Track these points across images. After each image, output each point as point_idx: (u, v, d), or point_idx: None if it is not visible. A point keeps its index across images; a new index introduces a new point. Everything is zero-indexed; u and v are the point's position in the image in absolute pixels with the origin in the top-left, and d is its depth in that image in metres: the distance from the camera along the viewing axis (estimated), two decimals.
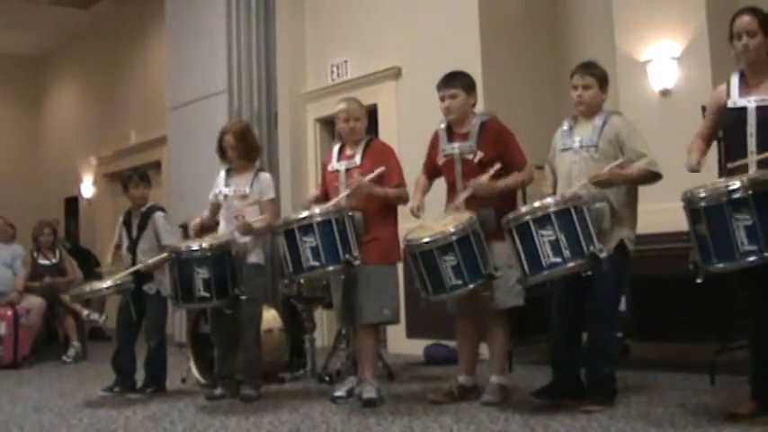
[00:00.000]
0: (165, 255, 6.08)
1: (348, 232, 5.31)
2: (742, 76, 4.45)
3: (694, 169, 4.48)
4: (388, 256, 5.61)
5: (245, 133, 6.27)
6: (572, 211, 4.62)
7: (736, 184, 4.01)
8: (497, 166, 5.17)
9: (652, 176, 4.91)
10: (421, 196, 5.57)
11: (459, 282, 4.93)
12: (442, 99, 5.44)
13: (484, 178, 5.14)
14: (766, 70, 4.38)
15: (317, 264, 5.25)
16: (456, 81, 5.47)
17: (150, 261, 6.26)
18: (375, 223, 5.55)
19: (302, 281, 6.38)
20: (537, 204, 4.71)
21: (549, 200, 4.72)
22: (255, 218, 5.97)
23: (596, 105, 5.07)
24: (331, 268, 5.30)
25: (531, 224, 4.62)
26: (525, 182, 5.49)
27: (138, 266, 6.30)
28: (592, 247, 4.58)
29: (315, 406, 5.54)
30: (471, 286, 4.95)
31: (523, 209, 4.79)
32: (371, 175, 5.49)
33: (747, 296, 4.46)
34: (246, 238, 5.96)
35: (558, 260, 4.57)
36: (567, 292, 4.98)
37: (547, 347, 5.43)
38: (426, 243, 4.96)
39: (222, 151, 6.21)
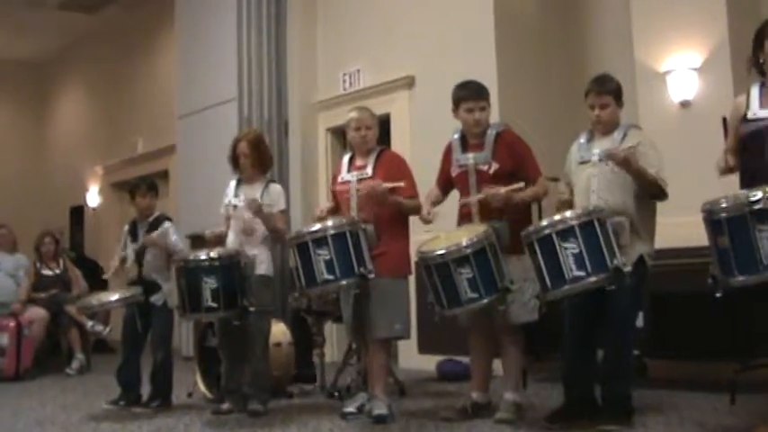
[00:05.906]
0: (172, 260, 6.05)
1: (362, 245, 5.22)
2: (762, 87, 4.35)
3: (726, 170, 4.42)
4: (399, 270, 5.51)
5: (260, 142, 6.23)
6: (596, 223, 4.52)
7: (758, 194, 3.90)
8: (521, 184, 5.08)
9: (659, 190, 4.77)
10: (429, 205, 5.46)
11: (475, 295, 4.83)
12: (471, 111, 5.31)
13: (503, 190, 5.03)
14: None
15: (331, 277, 5.16)
16: (485, 93, 5.40)
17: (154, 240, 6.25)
18: (387, 236, 5.45)
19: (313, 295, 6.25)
20: (559, 217, 4.60)
21: (571, 212, 4.63)
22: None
23: (615, 121, 4.98)
24: (345, 282, 5.21)
25: (554, 237, 4.51)
26: (540, 195, 5.39)
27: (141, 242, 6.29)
28: (615, 261, 4.47)
29: (324, 422, 5.44)
30: (487, 300, 4.85)
31: (545, 221, 4.68)
32: (389, 184, 5.38)
33: None
34: (256, 250, 5.89)
35: (582, 273, 4.46)
36: (580, 308, 4.86)
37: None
38: (442, 255, 4.86)
39: (235, 160, 6.14)
